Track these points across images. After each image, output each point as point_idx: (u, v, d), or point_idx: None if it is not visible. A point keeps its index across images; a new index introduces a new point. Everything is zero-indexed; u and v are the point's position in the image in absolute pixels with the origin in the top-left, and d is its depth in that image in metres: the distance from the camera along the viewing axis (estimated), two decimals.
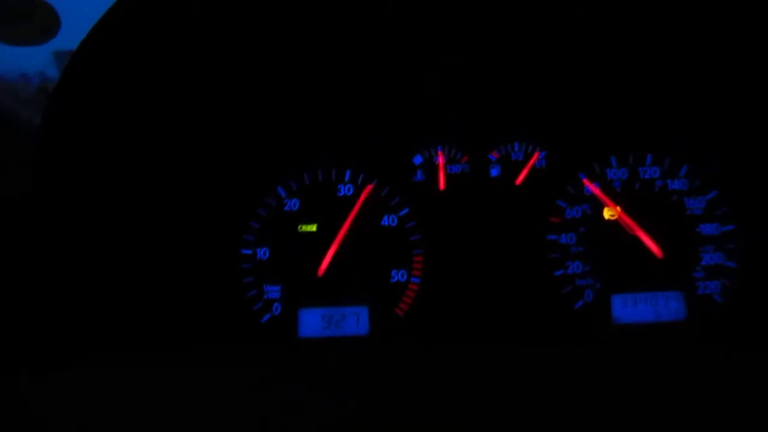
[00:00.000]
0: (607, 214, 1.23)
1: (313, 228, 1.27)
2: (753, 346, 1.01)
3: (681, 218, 1.22)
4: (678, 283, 1.18)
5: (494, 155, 1.29)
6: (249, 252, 1.27)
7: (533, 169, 1.28)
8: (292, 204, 1.29)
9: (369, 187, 1.28)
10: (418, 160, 1.30)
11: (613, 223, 1.23)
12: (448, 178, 1.29)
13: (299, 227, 1.27)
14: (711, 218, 1.21)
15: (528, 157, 1.29)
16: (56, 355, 0.92)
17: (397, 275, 1.25)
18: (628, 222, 1.21)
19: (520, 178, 1.27)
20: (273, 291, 1.25)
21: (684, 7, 1.06)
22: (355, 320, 1.23)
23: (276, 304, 1.25)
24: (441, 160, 1.30)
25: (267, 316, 1.24)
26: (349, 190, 1.29)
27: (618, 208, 1.23)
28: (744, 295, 1.17)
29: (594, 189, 1.24)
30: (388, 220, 1.27)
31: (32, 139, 1.01)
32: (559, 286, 1.22)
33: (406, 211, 1.28)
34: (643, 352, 0.99)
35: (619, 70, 1.26)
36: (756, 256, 1.17)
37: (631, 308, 1.18)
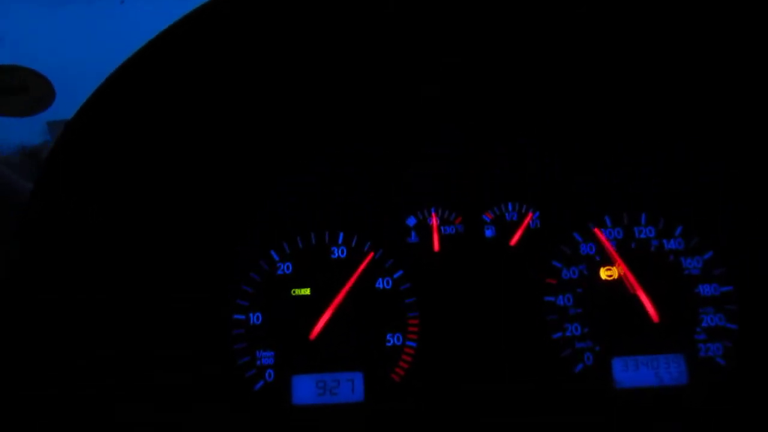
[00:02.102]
0: (604, 274, 1.22)
1: (307, 291, 1.26)
2: (758, 410, 0.98)
3: (679, 279, 1.20)
4: (679, 346, 1.16)
5: (488, 216, 1.29)
6: (242, 317, 1.25)
7: (528, 229, 1.27)
8: (285, 267, 1.28)
9: (371, 255, 1.27)
10: (411, 221, 1.30)
11: (611, 284, 1.21)
12: (442, 239, 1.28)
13: (292, 291, 1.26)
14: (709, 278, 1.20)
15: (522, 217, 1.28)
16: None
17: (393, 339, 1.22)
18: (632, 281, 1.19)
19: (515, 239, 1.26)
20: (266, 357, 1.23)
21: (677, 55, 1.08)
22: (349, 386, 1.20)
23: (269, 371, 1.22)
24: (435, 221, 1.29)
25: (260, 383, 1.21)
26: (342, 252, 1.28)
27: (623, 265, 1.20)
28: (747, 358, 1.14)
29: (605, 242, 1.23)
30: (382, 283, 1.26)
31: (20, 206, 1.01)
32: (558, 349, 1.19)
33: (400, 273, 1.26)
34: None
35: (610, 128, 1.27)
36: (757, 317, 1.15)
37: (632, 372, 1.15)
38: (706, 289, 1.19)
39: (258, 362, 1.22)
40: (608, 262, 1.23)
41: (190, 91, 1.06)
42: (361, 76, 1.16)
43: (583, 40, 1.07)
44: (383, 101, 1.25)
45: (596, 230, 1.25)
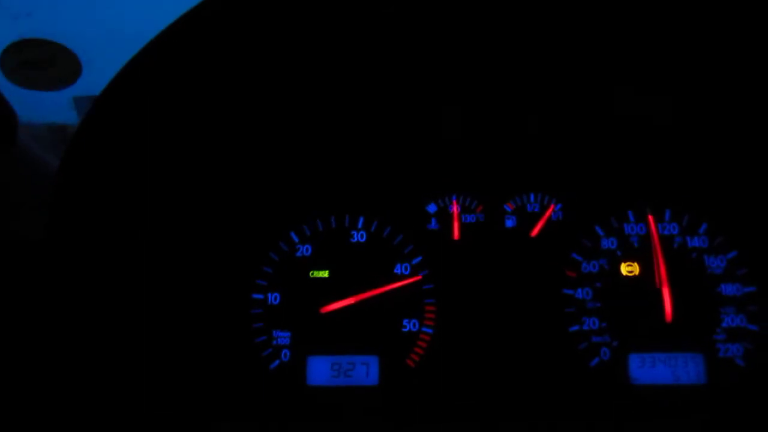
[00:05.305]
0: (625, 269, 1.21)
1: (325, 274, 1.26)
2: None
3: (701, 277, 1.19)
4: (698, 345, 1.14)
5: (509, 206, 1.28)
6: (260, 297, 1.26)
7: (549, 221, 1.26)
8: (305, 249, 1.28)
9: (419, 277, 1.26)
10: (432, 208, 1.29)
11: (632, 279, 1.20)
12: (463, 227, 1.27)
13: (311, 273, 1.26)
14: (732, 278, 1.18)
15: (544, 208, 1.27)
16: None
17: (409, 325, 1.22)
18: (663, 276, 1.17)
19: (536, 230, 1.25)
20: (282, 337, 1.24)
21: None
22: (364, 370, 1.20)
23: (285, 351, 1.23)
24: (455, 209, 1.29)
25: (276, 363, 1.22)
26: (362, 236, 1.28)
27: (662, 258, 1.18)
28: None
29: (654, 232, 1.20)
30: (400, 269, 1.26)
31: (48, 181, 1.02)
32: (574, 342, 1.18)
33: (419, 259, 1.26)
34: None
35: (638, 124, 1.25)
36: None
37: (648, 369, 1.14)
38: (728, 289, 1.17)
39: (274, 342, 1.23)
40: (630, 257, 1.21)
41: (216, 70, 1.05)
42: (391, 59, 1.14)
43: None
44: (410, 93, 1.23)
45: (650, 217, 1.22)
